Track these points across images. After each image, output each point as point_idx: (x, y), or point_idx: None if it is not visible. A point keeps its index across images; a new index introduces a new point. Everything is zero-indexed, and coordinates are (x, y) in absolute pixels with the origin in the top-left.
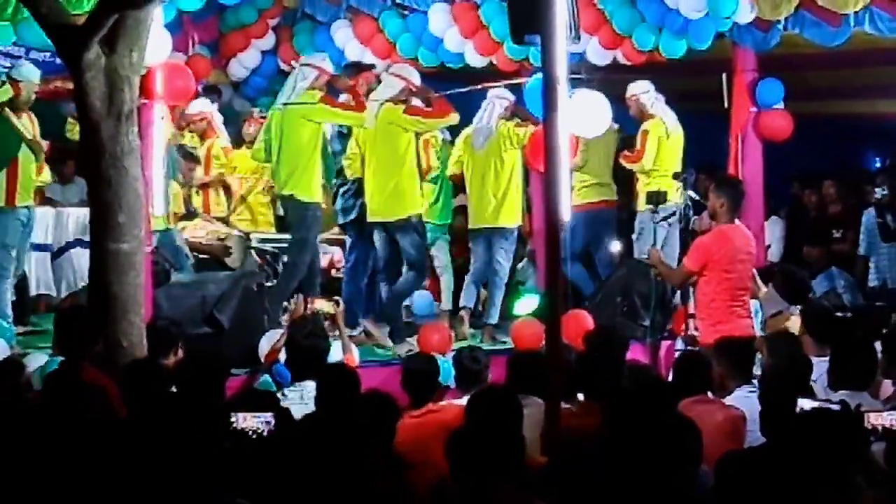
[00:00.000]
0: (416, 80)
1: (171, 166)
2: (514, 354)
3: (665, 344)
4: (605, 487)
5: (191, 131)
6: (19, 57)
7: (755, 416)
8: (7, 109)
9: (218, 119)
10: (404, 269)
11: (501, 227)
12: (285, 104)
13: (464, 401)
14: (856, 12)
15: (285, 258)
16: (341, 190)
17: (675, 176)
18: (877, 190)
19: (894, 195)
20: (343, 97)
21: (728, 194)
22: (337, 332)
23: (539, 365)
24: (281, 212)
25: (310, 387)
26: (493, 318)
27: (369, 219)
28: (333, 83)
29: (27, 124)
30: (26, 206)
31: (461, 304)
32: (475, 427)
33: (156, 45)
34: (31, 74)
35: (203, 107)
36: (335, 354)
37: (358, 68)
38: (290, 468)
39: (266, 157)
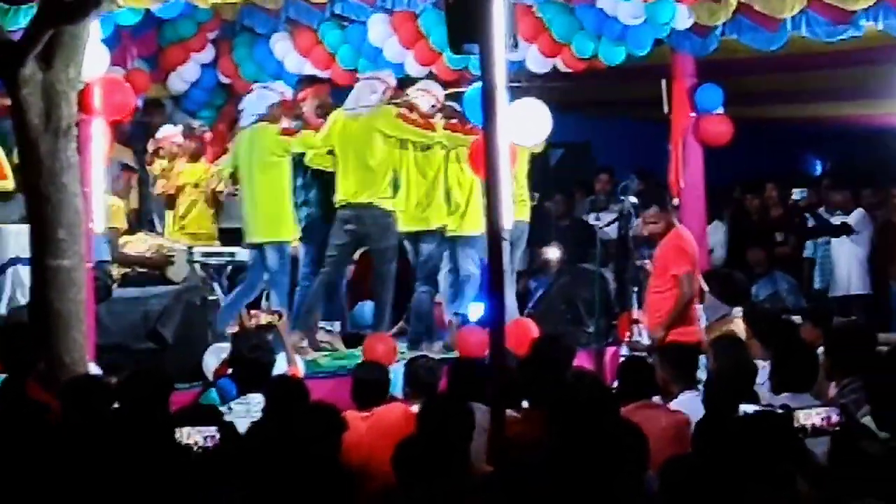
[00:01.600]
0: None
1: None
2: (455, 361)
3: (610, 350)
4: (550, 494)
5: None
6: None
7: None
8: None
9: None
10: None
11: None
12: (352, 113)
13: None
14: (792, 17)
15: (228, 271)
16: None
17: None
18: (795, 191)
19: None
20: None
21: None
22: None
23: (480, 371)
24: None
25: (256, 400)
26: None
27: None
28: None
29: None
30: None
31: None
32: (427, 436)
33: (93, 60)
34: None
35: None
36: (280, 367)
37: (310, 81)
38: (236, 481)
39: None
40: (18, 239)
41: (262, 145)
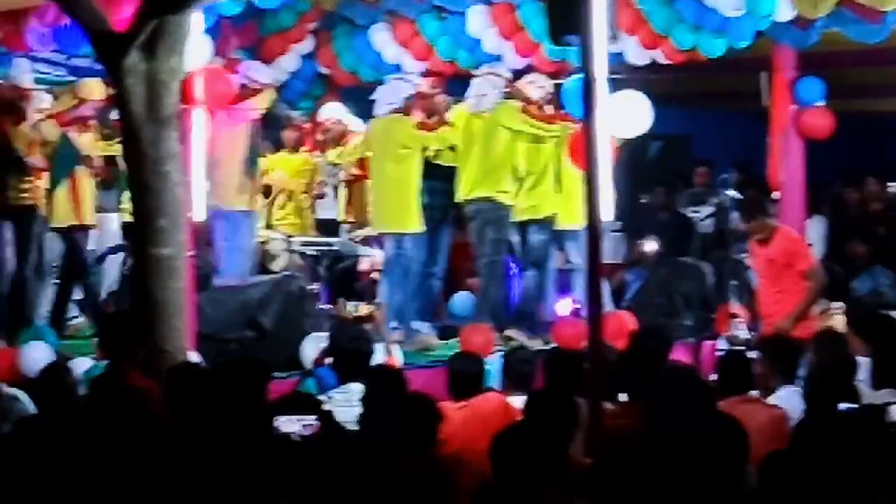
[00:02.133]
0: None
1: None
2: (552, 353)
3: (707, 343)
4: (649, 489)
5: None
6: (60, 64)
7: (798, 416)
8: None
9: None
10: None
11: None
12: (476, 109)
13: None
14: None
15: (325, 260)
16: None
17: None
18: (893, 185)
19: None
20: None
21: None
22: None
23: (576, 364)
24: (324, 214)
25: (356, 389)
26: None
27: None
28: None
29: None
30: None
31: None
32: (532, 427)
33: (196, 50)
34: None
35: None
36: (377, 356)
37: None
38: (334, 470)
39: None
40: (119, 227)
41: (395, 137)
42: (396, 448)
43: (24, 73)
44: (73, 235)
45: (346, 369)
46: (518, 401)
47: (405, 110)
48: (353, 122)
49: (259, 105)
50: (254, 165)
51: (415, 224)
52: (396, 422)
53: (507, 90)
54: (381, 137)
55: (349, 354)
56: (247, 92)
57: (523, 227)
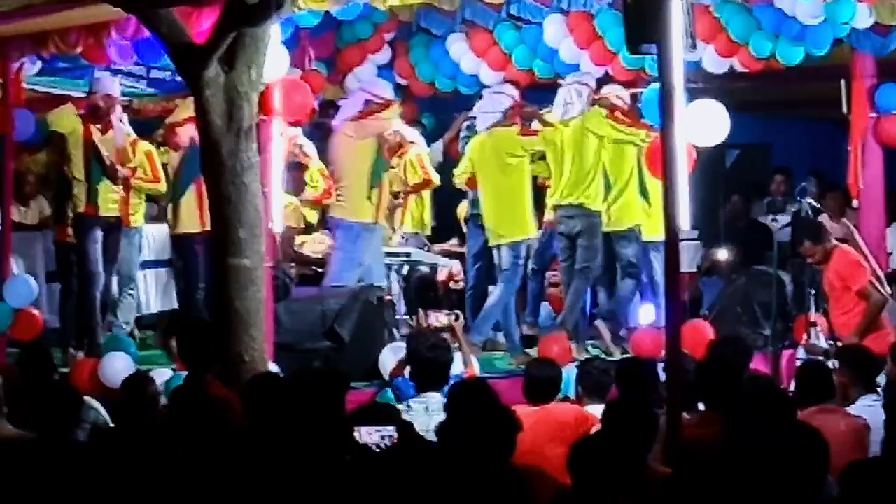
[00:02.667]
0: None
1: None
2: (625, 362)
3: (786, 353)
4: (728, 499)
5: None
6: (141, 76)
7: (879, 426)
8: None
9: (412, 132)
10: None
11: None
12: (564, 117)
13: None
14: None
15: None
16: None
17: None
18: None
19: None
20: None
21: None
22: (457, 346)
23: (649, 373)
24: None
25: (434, 398)
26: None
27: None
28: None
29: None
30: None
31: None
32: (609, 438)
33: (274, 62)
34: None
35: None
36: (456, 367)
37: None
38: (413, 481)
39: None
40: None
41: (501, 148)
42: (475, 457)
43: (113, 83)
44: (195, 243)
45: (424, 379)
46: (596, 410)
47: (506, 122)
48: (409, 133)
49: (388, 119)
50: (379, 179)
51: (529, 231)
52: (476, 431)
53: (591, 97)
54: (488, 151)
55: (427, 364)
56: (373, 107)
57: (608, 237)
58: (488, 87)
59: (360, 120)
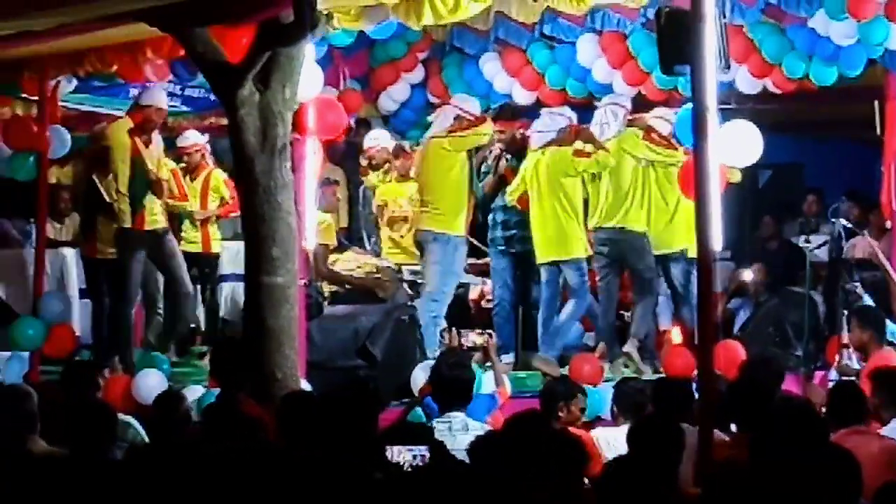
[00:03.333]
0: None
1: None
2: (661, 381)
3: (818, 374)
4: None
5: (185, 163)
6: (176, 94)
7: None
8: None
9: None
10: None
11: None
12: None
13: (617, 430)
14: None
15: None
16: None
17: None
18: None
19: None
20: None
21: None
22: (490, 365)
23: (686, 392)
24: None
25: (458, 418)
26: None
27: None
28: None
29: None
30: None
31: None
32: (637, 456)
33: (308, 81)
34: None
35: (196, 139)
36: (488, 386)
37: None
38: (445, 500)
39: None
40: (230, 256)
41: (555, 167)
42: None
43: (161, 95)
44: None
45: (447, 398)
46: (601, 434)
47: (560, 142)
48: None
49: (483, 134)
50: (471, 192)
51: (581, 250)
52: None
53: (626, 119)
54: (542, 170)
55: (449, 383)
56: (463, 122)
57: (661, 259)
58: (543, 106)
59: (451, 135)
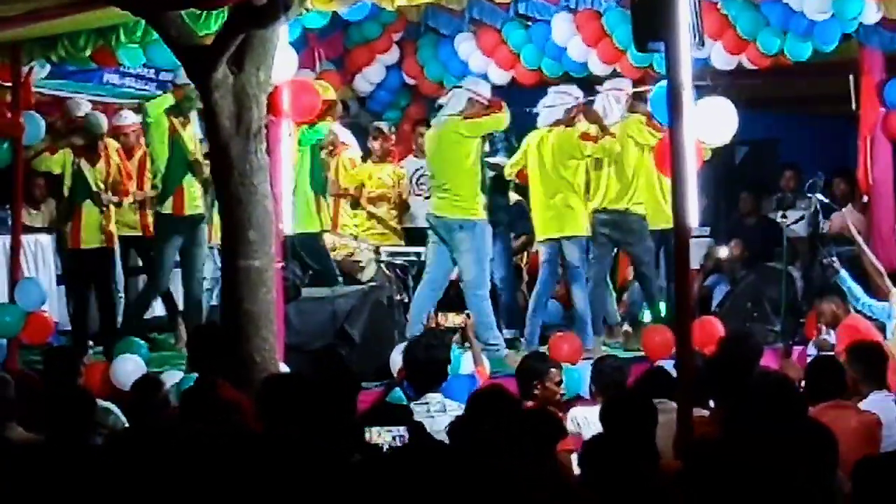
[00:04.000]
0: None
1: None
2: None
3: (796, 349)
4: (738, 495)
5: (121, 143)
6: (150, 79)
7: (890, 422)
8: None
9: (346, 133)
10: None
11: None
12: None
13: (595, 408)
14: None
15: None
16: None
17: None
18: None
19: None
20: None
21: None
22: (468, 345)
23: (665, 377)
24: (412, 223)
25: (435, 399)
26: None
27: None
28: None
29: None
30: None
31: None
32: (612, 434)
33: (282, 63)
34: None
35: (134, 118)
36: (467, 367)
37: None
38: (425, 480)
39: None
40: None
41: (560, 148)
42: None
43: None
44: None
45: (422, 381)
46: (580, 413)
47: (567, 122)
48: (343, 135)
49: (501, 120)
50: (484, 177)
51: (584, 228)
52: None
53: (628, 103)
54: (547, 149)
55: (423, 365)
56: (476, 106)
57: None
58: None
59: (469, 120)
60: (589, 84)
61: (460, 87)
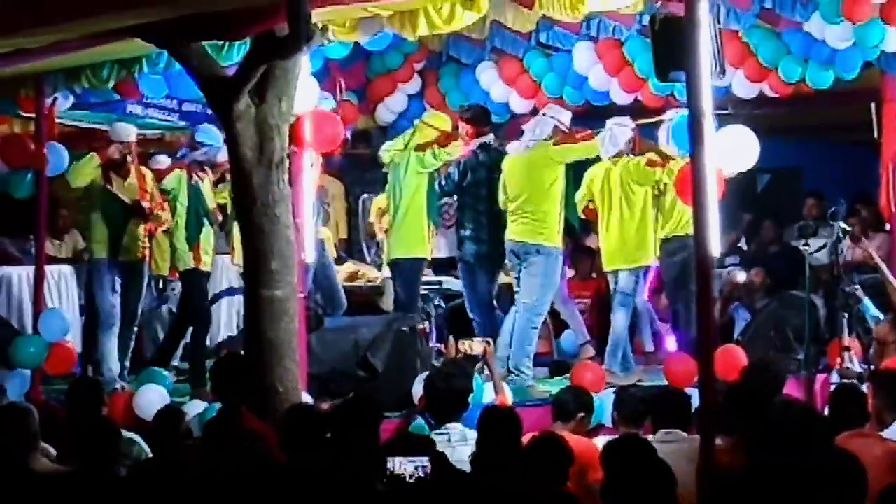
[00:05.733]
0: (567, 120)
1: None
2: (662, 391)
3: (820, 378)
4: None
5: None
6: (172, 109)
7: None
8: (111, 173)
9: None
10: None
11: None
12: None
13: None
14: None
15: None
16: None
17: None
18: None
19: None
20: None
21: None
22: (488, 373)
23: (684, 400)
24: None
25: (456, 429)
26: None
27: None
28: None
29: (131, 185)
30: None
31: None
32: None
33: (304, 94)
34: (120, 133)
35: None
36: (489, 396)
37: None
38: None
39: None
40: (231, 270)
41: (625, 177)
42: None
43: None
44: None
45: (442, 411)
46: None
47: (631, 151)
48: None
49: (592, 149)
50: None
51: (651, 258)
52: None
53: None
54: (614, 180)
55: (443, 395)
56: (558, 133)
57: None
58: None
59: (562, 145)
60: (611, 114)
61: (544, 114)
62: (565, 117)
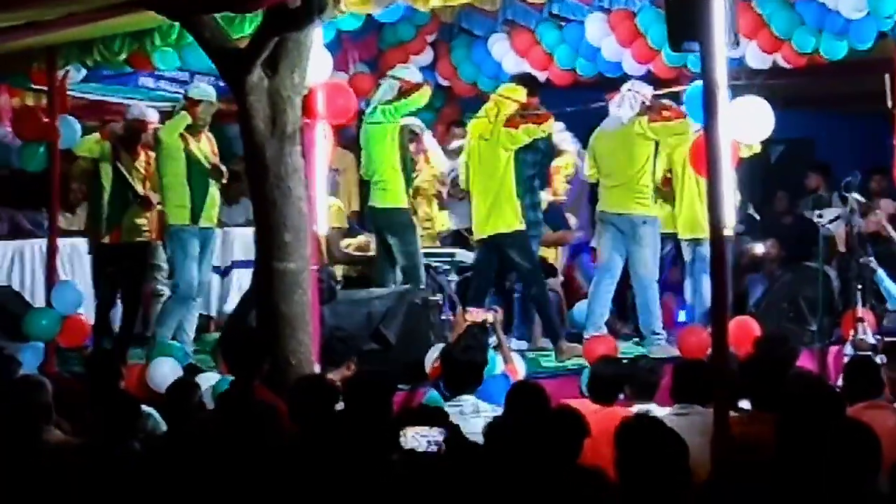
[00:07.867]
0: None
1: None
2: (677, 363)
3: (833, 349)
4: (779, 497)
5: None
6: (185, 82)
7: None
8: (186, 135)
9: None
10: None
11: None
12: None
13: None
14: None
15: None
16: None
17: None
18: None
19: None
20: None
21: None
22: (496, 341)
23: (702, 373)
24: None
25: (469, 401)
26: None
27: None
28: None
29: (205, 148)
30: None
31: None
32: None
33: (317, 66)
34: (208, 93)
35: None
36: (497, 366)
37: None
38: (463, 483)
39: None
40: (243, 242)
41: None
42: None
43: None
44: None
45: (458, 382)
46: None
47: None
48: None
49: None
50: None
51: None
52: (544, 434)
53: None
54: (614, 149)
55: (462, 367)
56: (656, 109)
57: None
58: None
59: (657, 122)
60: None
61: (629, 89)
62: (647, 91)
